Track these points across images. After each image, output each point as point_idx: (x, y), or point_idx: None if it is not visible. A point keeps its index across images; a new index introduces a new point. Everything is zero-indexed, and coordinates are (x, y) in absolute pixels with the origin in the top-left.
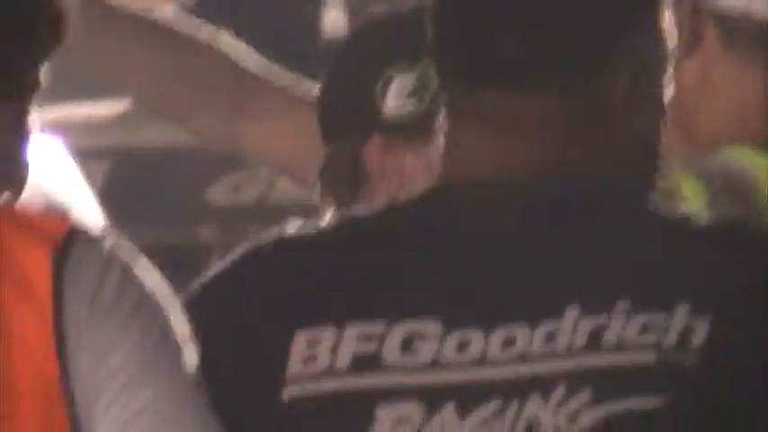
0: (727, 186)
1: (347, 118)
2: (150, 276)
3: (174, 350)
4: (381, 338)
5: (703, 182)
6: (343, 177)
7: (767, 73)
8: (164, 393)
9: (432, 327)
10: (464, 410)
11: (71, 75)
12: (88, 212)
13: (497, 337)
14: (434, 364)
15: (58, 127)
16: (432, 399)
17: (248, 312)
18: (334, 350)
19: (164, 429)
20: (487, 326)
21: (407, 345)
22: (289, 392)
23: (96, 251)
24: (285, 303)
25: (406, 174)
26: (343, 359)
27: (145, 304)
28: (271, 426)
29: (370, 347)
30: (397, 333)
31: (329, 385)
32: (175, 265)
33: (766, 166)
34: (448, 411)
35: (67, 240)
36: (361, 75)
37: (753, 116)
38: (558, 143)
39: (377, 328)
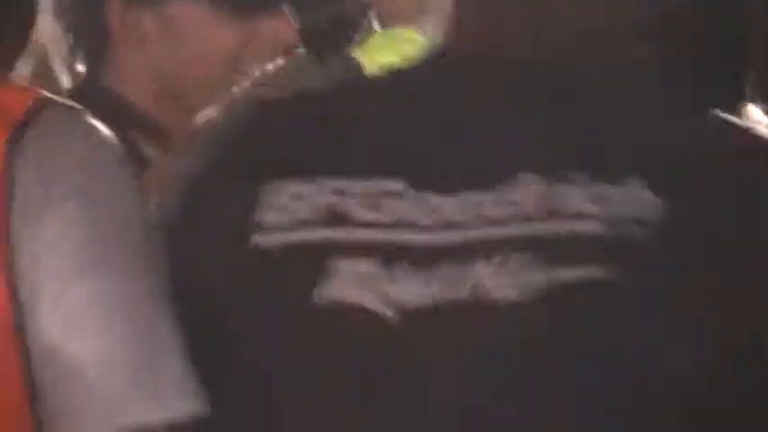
0: None
1: None
2: (119, 154)
3: (137, 240)
4: (348, 194)
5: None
6: (92, 38)
7: None
8: (117, 282)
9: (395, 187)
10: (416, 268)
11: None
12: None
13: (455, 201)
14: (395, 224)
15: None
16: (388, 256)
17: (227, 163)
18: (302, 202)
19: (117, 315)
20: (446, 190)
21: (373, 203)
22: (257, 240)
23: (61, 129)
24: (262, 155)
25: (148, 38)
26: (311, 211)
27: (107, 188)
28: (238, 272)
29: (337, 202)
30: (364, 190)
31: (296, 236)
32: None
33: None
34: (401, 269)
35: (29, 116)
36: None
37: None
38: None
39: (345, 184)
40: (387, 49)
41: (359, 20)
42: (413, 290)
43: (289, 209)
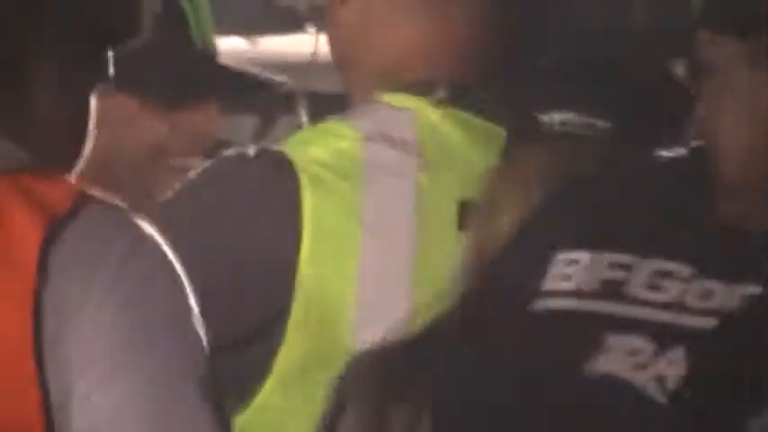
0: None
1: None
2: (162, 251)
3: (174, 338)
4: (630, 270)
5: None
6: None
7: (420, 18)
8: (147, 386)
9: (681, 269)
10: (692, 355)
11: None
12: None
13: (730, 289)
14: (675, 305)
15: None
16: (664, 338)
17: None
18: (585, 273)
19: (145, 422)
20: (728, 280)
21: (653, 281)
22: (539, 305)
23: (102, 225)
24: (554, 225)
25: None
26: (592, 283)
27: (145, 288)
28: (517, 333)
29: (618, 276)
30: (646, 268)
31: (573, 304)
32: None
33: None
34: (677, 353)
35: (70, 211)
36: None
37: (406, 62)
38: None
39: (628, 259)
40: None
41: None
42: (683, 374)
43: (572, 278)
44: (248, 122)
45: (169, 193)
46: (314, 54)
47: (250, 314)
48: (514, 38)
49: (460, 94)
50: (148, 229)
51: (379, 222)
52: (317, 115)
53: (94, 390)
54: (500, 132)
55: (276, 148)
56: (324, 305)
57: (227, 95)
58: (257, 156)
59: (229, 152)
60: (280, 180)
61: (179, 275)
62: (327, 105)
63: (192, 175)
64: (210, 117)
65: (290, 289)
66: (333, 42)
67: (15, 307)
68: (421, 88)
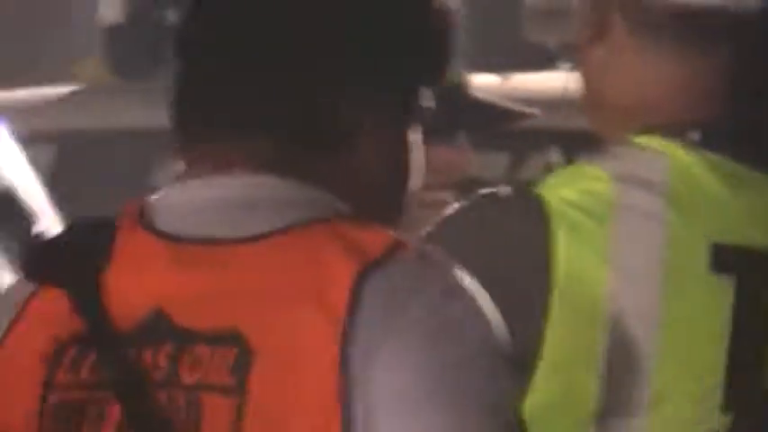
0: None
1: None
2: (475, 299)
3: (481, 383)
4: None
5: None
6: None
7: (672, 59)
8: (450, 425)
9: None
10: None
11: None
12: (33, 197)
13: None
14: None
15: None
16: None
17: None
18: None
19: None
20: None
21: None
22: None
23: (414, 270)
24: None
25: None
26: None
27: (457, 329)
28: None
29: None
30: None
31: None
32: None
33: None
34: None
35: (383, 256)
36: None
37: (657, 103)
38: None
39: None
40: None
41: None
42: None
43: None
44: (500, 160)
45: (425, 228)
46: (565, 91)
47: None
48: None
49: (713, 137)
50: (463, 277)
51: (628, 264)
52: (569, 153)
53: (393, 425)
54: (755, 176)
55: (530, 189)
56: (572, 348)
57: (478, 127)
58: (512, 196)
59: (485, 191)
60: (533, 222)
61: (493, 327)
62: (579, 143)
63: (448, 213)
64: (463, 152)
65: (541, 327)
66: (583, 81)
67: (327, 349)
68: (672, 130)
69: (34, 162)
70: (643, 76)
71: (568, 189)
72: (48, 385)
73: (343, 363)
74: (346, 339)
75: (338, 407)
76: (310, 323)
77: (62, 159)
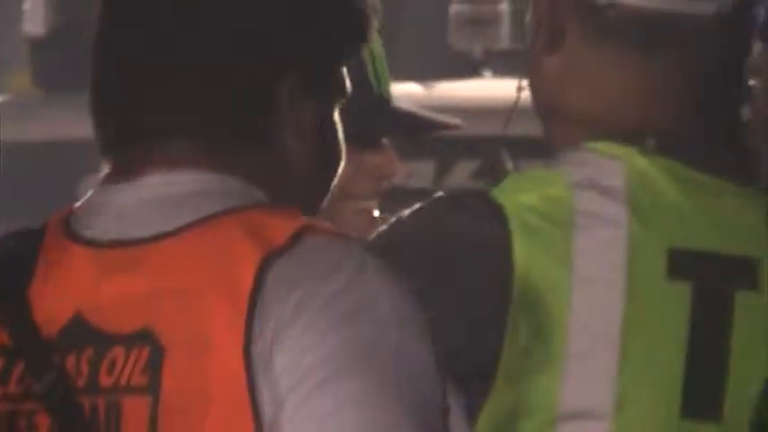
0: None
1: None
2: (388, 278)
3: (394, 359)
4: None
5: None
6: None
7: (628, 65)
8: (356, 400)
9: None
10: None
11: None
12: None
13: None
14: None
15: None
16: None
17: None
18: None
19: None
20: None
21: None
22: None
23: (320, 253)
24: None
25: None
26: None
27: (368, 307)
28: None
29: None
30: None
31: None
32: None
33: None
34: None
35: (289, 241)
36: None
37: (612, 110)
38: None
39: None
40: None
41: None
42: None
43: None
44: (426, 168)
45: (360, 235)
46: (489, 99)
47: (463, 359)
48: (728, 87)
49: (669, 142)
50: (374, 257)
51: (590, 271)
52: (497, 160)
53: (302, 404)
54: (711, 181)
55: (488, 194)
56: (533, 355)
57: (403, 136)
58: (470, 201)
59: (440, 195)
60: (493, 227)
61: (407, 303)
62: (509, 150)
63: (400, 216)
64: (390, 160)
65: (501, 335)
66: (537, 89)
67: (231, 336)
68: (628, 137)
69: None
70: (598, 83)
71: (527, 195)
72: None
73: (248, 348)
74: (250, 325)
75: (246, 393)
76: (217, 313)
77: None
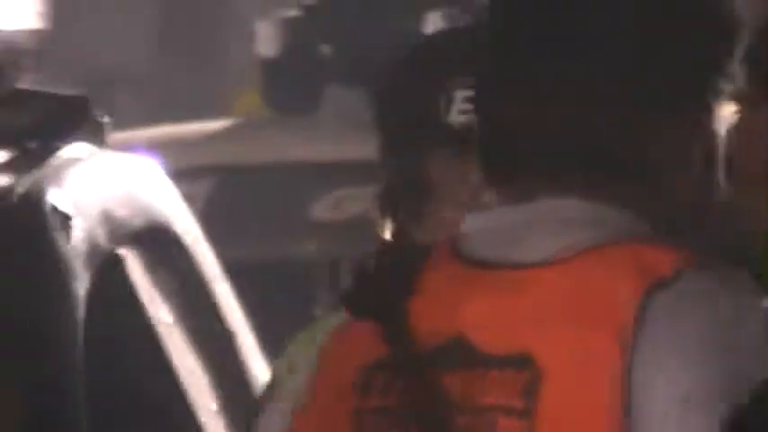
0: None
1: (413, 131)
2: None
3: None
4: None
5: None
6: (410, 193)
7: None
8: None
9: None
10: None
11: (170, 95)
12: (187, 231)
13: None
14: None
15: (157, 146)
16: None
17: None
18: None
19: None
20: None
21: None
22: None
23: (702, 289)
24: None
25: (474, 186)
26: None
27: (746, 346)
28: None
29: None
30: None
31: None
32: (278, 281)
33: None
34: None
35: (671, 275)
36: (425, 88)
37: None
38: None
39: None
40: None
41: None
42: None
43: None
44: None
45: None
46: None
47: None
48: None
49: None
50: (754, 299)
51: None
52: None
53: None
54: None
55: None
56: None
57: None
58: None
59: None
60: None
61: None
62: None
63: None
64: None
65: None
66: (748, 154)
67: (612, 368)
68: None
69: (193, 196)
70: None
71: None
72: (358, 412)
73: (628, 382)
74: (632, 355)
75: (623, 421)
76: (598, 344)
77: (221, 193)
